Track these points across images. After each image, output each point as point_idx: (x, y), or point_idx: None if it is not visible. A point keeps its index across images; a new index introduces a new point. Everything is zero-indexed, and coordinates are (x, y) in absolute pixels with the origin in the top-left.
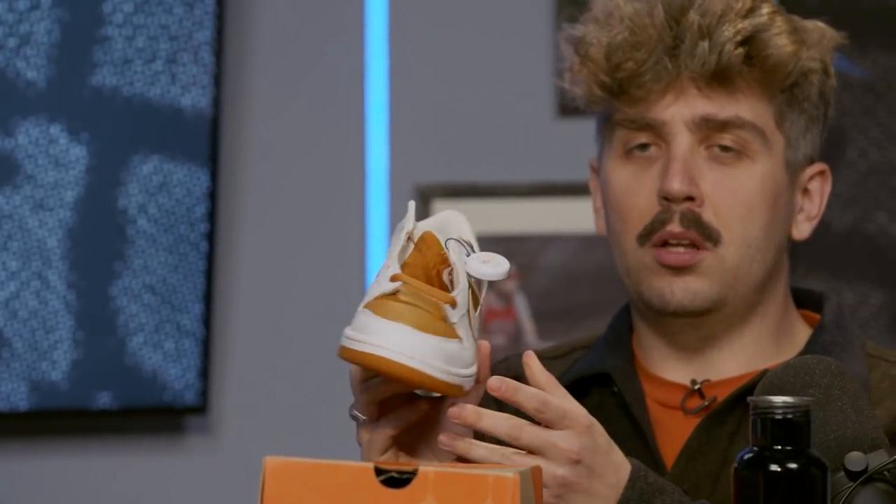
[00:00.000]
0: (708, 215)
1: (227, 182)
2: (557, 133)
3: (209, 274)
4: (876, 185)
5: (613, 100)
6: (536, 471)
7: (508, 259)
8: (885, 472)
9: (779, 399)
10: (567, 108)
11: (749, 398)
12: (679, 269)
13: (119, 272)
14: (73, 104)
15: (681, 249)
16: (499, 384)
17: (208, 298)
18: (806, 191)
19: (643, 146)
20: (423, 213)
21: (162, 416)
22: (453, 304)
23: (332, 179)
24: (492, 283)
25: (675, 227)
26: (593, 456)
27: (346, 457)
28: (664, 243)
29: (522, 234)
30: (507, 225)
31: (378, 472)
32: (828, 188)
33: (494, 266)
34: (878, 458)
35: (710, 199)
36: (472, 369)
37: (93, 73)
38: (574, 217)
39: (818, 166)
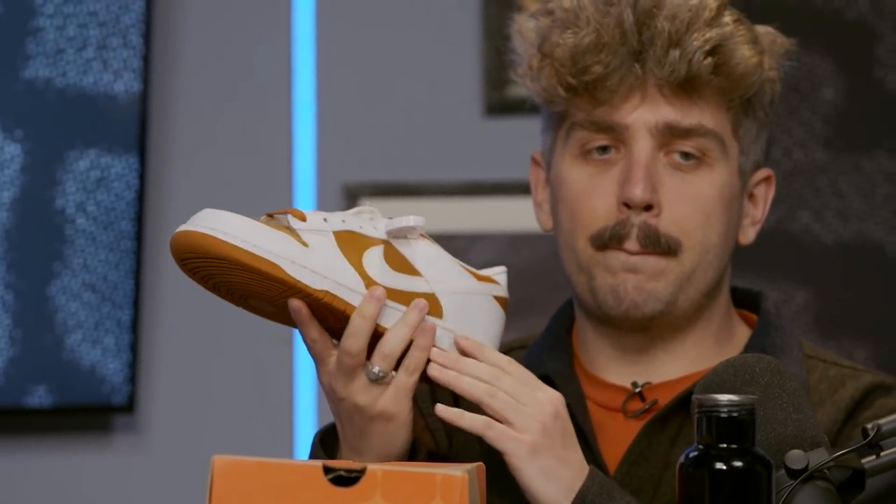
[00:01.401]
0: (665, 225)
1: (155, 174)
2: (485, 132)
3: (137, 270)
4: (800, 185)
5: (576, 100)
6: (480, 469)
7: None
8: (825, 471)
9: (724, 397)
10: (494, 108)
11: (694, 396)
12: (634, 269)
13: (58, 272)
14: (6, 100)
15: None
16: (441, 411)
17: (136, 295)
18: (752, 196)
19: (603, 148)
20: None
21: (89, 415)
22: (300, 217)
23: (259, 178)
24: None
25: (632, 244)
26: (567, 423)
27: (276, 456)
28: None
29: (450, 233)
30: (434, 224)
31: (326, 470)
32: (771, 193)
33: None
34: (819, 457)
35: (670, 206)
36: (308, 262)
37: (26, 65)
38: (502, 216)
39: (764, 171)
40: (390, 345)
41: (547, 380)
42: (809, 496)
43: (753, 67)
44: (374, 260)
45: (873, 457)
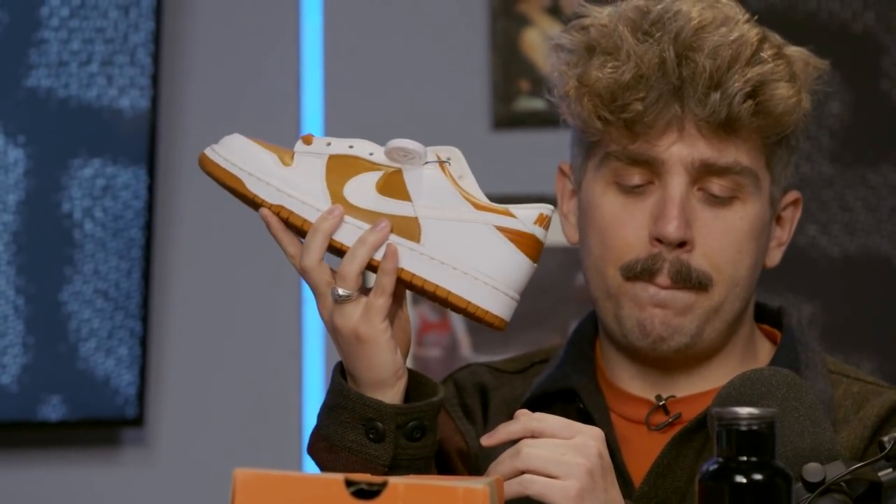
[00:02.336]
0: (697, 260)
1: (165, 186)
2: (492, 146)
3: (147, 283)
4: (807, 199)
5: (613, 132)
6: (499, 482)
7: None
8: (842, 484)
9: (744, 410)
10: (502, 121)
11: (713, 409)
12: (663, 304)
13: (69, 277)
14: (8, 107)
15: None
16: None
17: (146, 307)
18: (779, 218)
19: (636, 186)
20: None
21: (99, 428)
22: (307, 141)
23: None
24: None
25: (663, 279)
26: (606, 459)
27: (285, 468)
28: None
29: None
30: None
31: (348, 483)
32: (798, 214)
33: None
34: (835, 469)
35: (702, 241)
36: (274, 178)
37: (28, 75)
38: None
39: (793, 194)
40: (346, 264)
41: (571, 392)
42: None
43: (793, 106)
44: (361, 184)
45: (890, 469)
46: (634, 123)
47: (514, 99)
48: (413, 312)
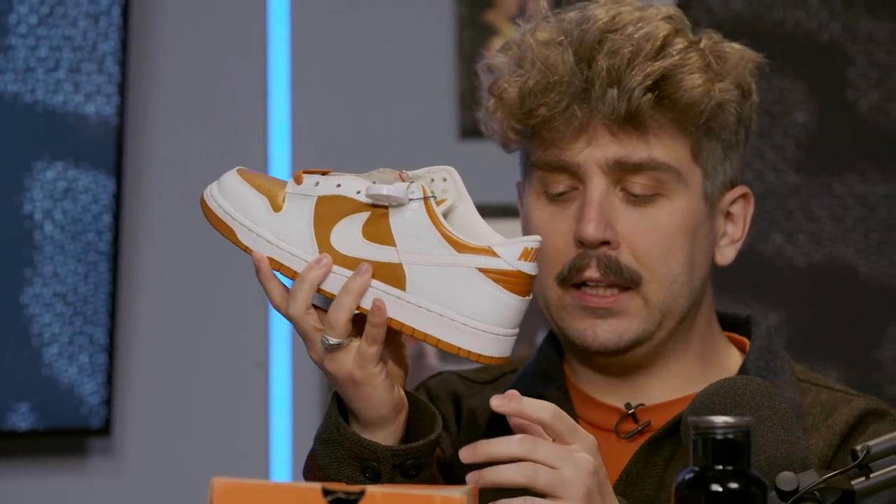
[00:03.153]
0: (626, 258)
1: (132, 193)
2: (459, 155)
3: (113, 288)
4: (772, 208)
5: (528, 143)
6: (475, 490)
7: None
8: (815, 492)
9: (720, 419)
10: (469, 130)
11: (690, 418)
12: (603, 313)
13: (29, 278)
14: None
15: (601, 292)
16: (500, 402)
17: (112, 316)
18: (728, 214)
19: (561, 193)
20: None
21: (66, 438)
22: (297, 180)
23: None
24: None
25: (592, 272)
26: (603, 473)
27: (251, 478)
28: (583, 285)
29: None
30: None
31: (325, 492)
32: (750, 210)
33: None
34: (809, 478)
35: (628, 240)
36: (263, 228)
37: None
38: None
39: (740, 189)
40: (334, 313)
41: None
42: None
43: (700, 96)
44: (348, 228)
45: (863, 478)
46: (543, 130)
47: (480, 108)
48: None
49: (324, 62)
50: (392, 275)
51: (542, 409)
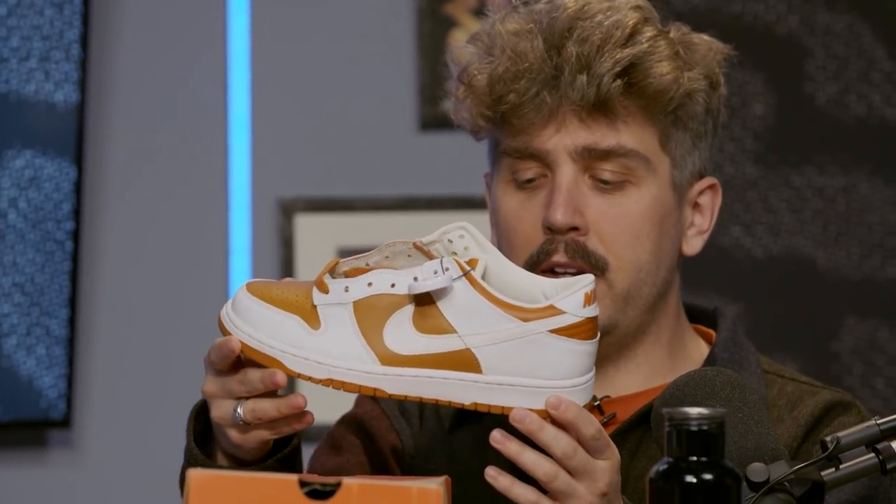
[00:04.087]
0: (593, 244)
1: (92, 181)
2: (420, 147)
3: (74, 279)
4: (730, 200)
5: (497, 130)
6: (448, 482)
7: None
8: (786, 483)
9: (694, 410)
10: (429, 123)
11: (664, 409)
12: None
13: None
14: None
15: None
16: (557, 402)
17: (73, 306)
18: (696, 205)
19: (530, 180)
20: (285, 227)
21: (25, 430)
22: (323, 289)
23: (195, 192)
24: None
25: (560, 257)
26: (616, 492)
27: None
28: (551, 271)
29: None
30: (369, 239)
31: (302, 484)
32: (718, 201)
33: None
34: (779, 469)
35: (596, 227)
36: (312, 350)
37: None
38: (436, 230)
39: (708, 180)
40: (265, 404)
41: None
42: None
43: (668, 84)
44: (398, 327)
45: (832, 469)
46: (513, 116)
47: (441, 101)
48: None
49: (284, 54)
50: (463, 361)
51: (589, 424)
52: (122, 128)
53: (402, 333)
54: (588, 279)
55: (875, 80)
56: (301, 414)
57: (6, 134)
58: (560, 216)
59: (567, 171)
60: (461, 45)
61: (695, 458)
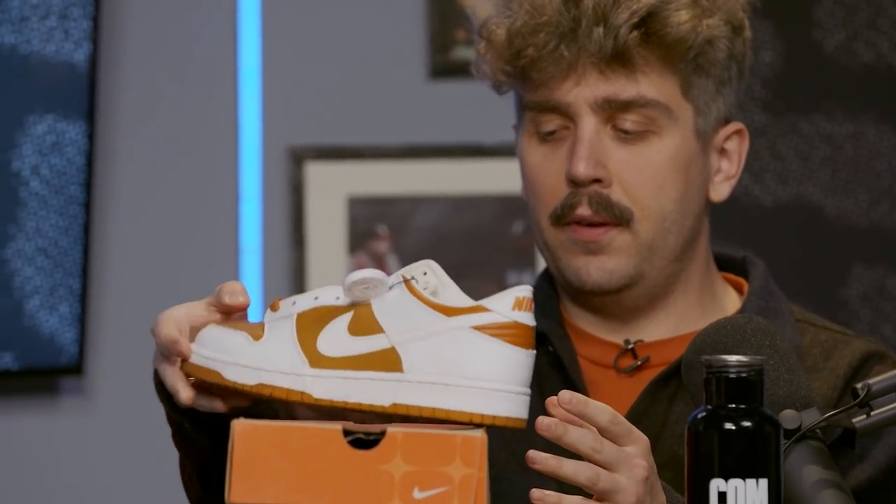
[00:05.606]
0: (617, 195)
1: (104, 140)
2: (429, 95)
3: (87, 230)
4: None
5: (518, 84)
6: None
7: (381, 220)
8: (817, 430)
9: (733, 358)
10: (439, 71)
11: (703, 357)
12: (594, 249)
13: (12, 235)
14: None
15: (593, 228)
16: (570, 397)
17: (85, 255)
18: (723, 151)
19: (552, 132)
20: (296, 175)
21: (37, 377)
22: (274, 308)
23: (206, 142)
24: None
25: (584, 210)
26: (654, 473)
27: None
28: (576, 223)
29: (394, 196)
30: (378, 187)
31: (346, 433)
32: (745, 146)
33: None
34: (811, 416)
35: (619, 178)
36: (246, 358)
37: None
38: (445, 179)
39: (734, 125)
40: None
41: (541, 336)
42: (803, 455)
43: (687, 32)
44: (333, 331)
45: (864, 416)
46: (532, 70)
47: (450, 48)
48: (350, 261)
49: (294, 4)
50: (388, 360)
51: (602, 412)
52: (132, 82)
53: (334, 336)
54: (525, 288)
55: (883, 27)
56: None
57: (29, 98)
58: (582, 168)
59: (588, 124)
60: (479, 5)
61: (734, 406)
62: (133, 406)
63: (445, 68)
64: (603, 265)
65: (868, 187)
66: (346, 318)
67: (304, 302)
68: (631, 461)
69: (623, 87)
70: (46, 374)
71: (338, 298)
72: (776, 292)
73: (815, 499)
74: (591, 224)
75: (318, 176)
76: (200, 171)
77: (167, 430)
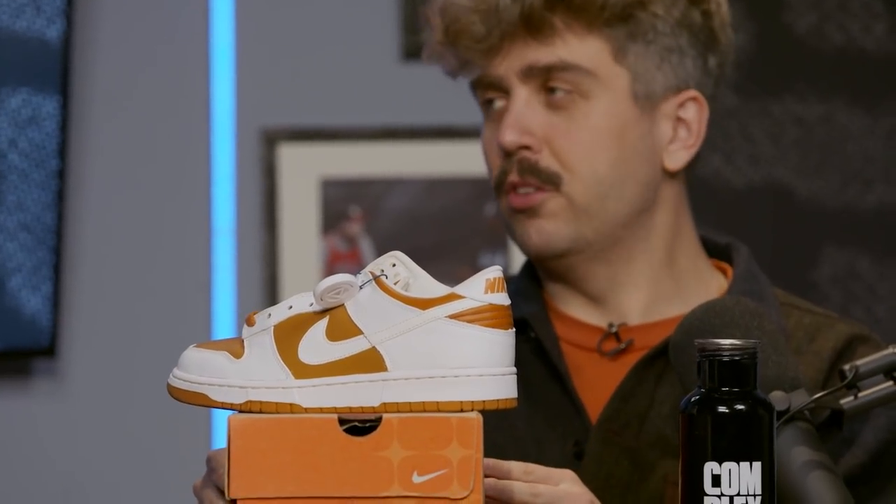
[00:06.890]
0: (546, 160)
1: (78, 113)
2: (402, 77)
3: (59, 210)
4: (710, 129)
5: (461, 68)
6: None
7: (354, 202)
8: (806, 412)
9: (727, 341)
10: (411, 52)
11: (696, 340)
12: (530, 214)
13: None
14: None
15: (525, 192)
16: (489, 463)
17: (59, 236)
18: (679, 119)
19: (489, 101)
20: (268, 156)
21: (9, 359)
22: (250, 323)
23: (178, 122)
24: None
25: (514, 176)
26: (593, 496)
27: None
28: (514, 190)
29: (367, 178)
30: (351, 168)
31: (341, 422)
32: (705, 114)
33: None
34: (799, 398)
35: (549, 143)
36: (231, 377)
37: None
38: (418, 160)
39: (688, 93)
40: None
41: (523, 323)
42: (792, 436)
43: None
44: (312, 339)
45: (851, 398)
46: (464, 51)
47: (422, 30)
48: (323, 243)
49: None
50: (371, 361)
51: (511, 466)
52: (106, 59)
53: (314, 344)
54: (496, 268)
55: (854, 10)
56: None
57: (1, 72)
58: (508, 136)
59: (520, 94)
60: None
61: (727, 389)
62: (106, 388)
63: (418, 50)
64: (541, 228)
65: (839, 169)
66: (323, 323)
67: (278, 313)
68: (571, 494)
69: (543, 54)
70: (20, 356)
71: (311, 305)
72: (760, 276)
73: (805, 480)
74: (524, 191)
75: (291, 157)
76: (173, 153)
77: (139, 412)
